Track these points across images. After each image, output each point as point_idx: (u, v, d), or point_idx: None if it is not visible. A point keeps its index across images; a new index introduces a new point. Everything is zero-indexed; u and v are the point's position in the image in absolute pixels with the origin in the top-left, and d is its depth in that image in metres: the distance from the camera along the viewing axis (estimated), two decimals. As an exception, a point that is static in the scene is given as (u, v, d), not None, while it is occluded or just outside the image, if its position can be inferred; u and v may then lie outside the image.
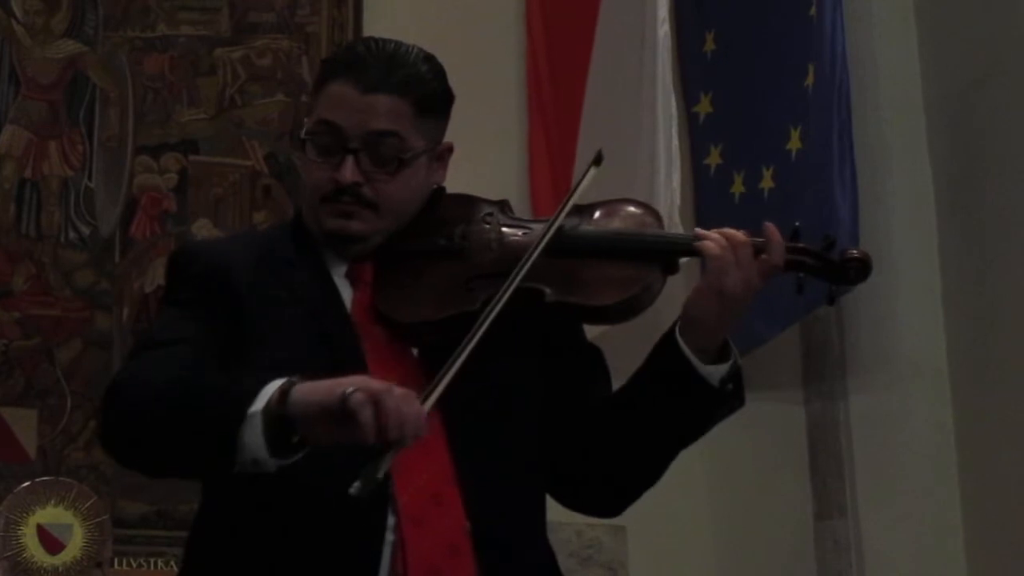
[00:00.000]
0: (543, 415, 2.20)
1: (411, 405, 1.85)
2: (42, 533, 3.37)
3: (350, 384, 1.85)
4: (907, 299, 4.01)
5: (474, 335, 2.00)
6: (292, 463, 1.91)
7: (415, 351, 2.16)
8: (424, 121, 2.20)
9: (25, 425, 3.85)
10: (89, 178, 4.02)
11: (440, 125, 2.25)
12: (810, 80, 3.84)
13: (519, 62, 4.22)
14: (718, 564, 3.99)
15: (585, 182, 2.23)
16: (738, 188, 3.99)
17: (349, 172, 2.15)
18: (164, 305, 2.26)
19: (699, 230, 2.18)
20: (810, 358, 4.07)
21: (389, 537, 2.02)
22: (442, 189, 2.27)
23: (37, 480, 3.48)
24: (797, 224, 2.21)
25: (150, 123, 4.07)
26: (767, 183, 3.91)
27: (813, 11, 3.85)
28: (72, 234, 3.98)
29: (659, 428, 2.18)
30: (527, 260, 2.10)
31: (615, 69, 3.97)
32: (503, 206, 2.27)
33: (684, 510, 3.82)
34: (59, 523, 3.38)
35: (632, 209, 2.27)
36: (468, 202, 2.28)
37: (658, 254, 2.19)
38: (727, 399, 2.16)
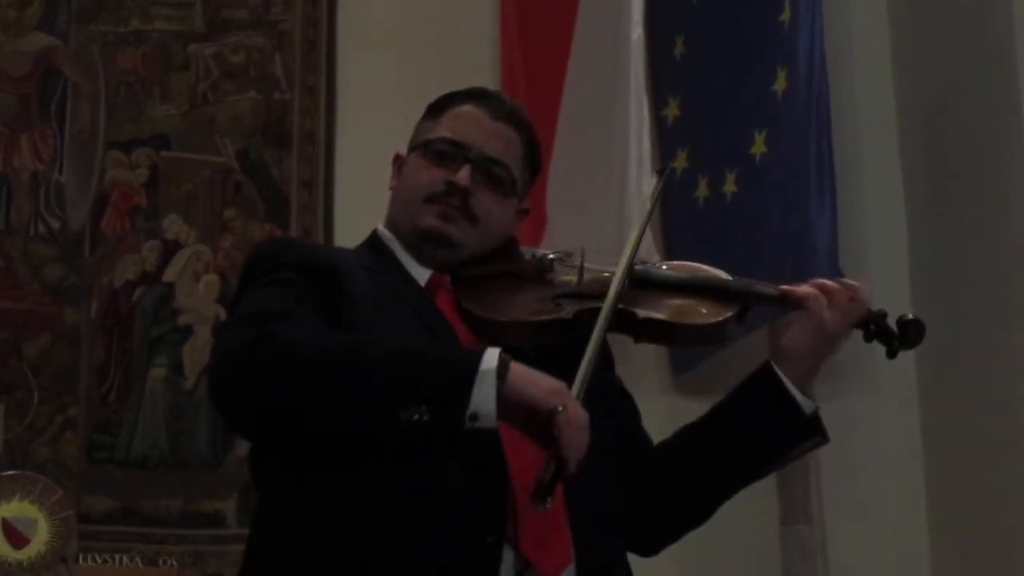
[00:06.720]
0: (617, 456, 2.26)
1: (586, 433, 1.92)
2: (7, 527, 3.36)
3: (559, 396, 1.92)
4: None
5: (596, 336, 2.07)
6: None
7: None
8: (524, 167, 2.35)
9: (-9, 419, 3.84)
10: (59, 172, 4.01)
11: (528, 182, 2.38)
12: (780, 85, 3.84)
13: (494, 64, 4.21)
14: (683, 569, 3.99)
15: (655, 195, 2.44)
16: (702, 192, 4.00)
17: (466, 176, 2.26)
18: (256, 287, 2.14)
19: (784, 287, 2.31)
20: (777, 364, 4.06)
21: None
22: (515, 239, 2.34)
23: (3, 474, 3.46)
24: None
25: (122, 118, 4.07)
26: (730, 187, 3.92)
27: (784, 16, 3.84)
28: (41, 228, 3.97)
29: (745, 454, 2.28)
30: (628, 261, 2.21)
31: (591, 72, 3.97)
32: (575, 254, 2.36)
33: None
34: (24, 517, 3.37)
35: (702, 266, 2.39)
36: (537, 249, 2.37)
37: (737, 296, 2.29)
38: (814, 432, 2.28)
